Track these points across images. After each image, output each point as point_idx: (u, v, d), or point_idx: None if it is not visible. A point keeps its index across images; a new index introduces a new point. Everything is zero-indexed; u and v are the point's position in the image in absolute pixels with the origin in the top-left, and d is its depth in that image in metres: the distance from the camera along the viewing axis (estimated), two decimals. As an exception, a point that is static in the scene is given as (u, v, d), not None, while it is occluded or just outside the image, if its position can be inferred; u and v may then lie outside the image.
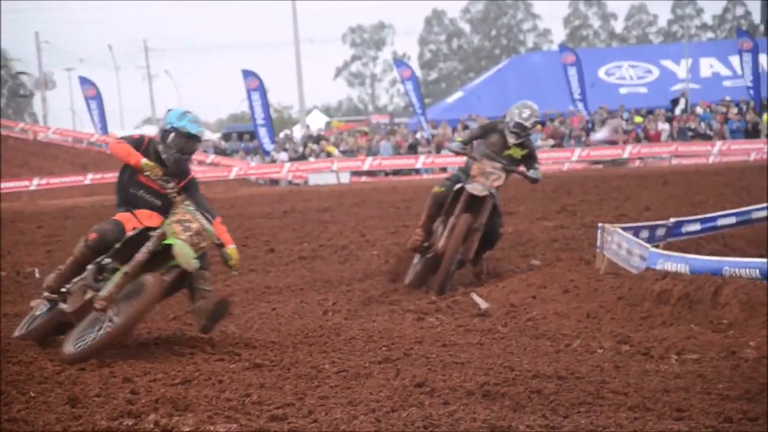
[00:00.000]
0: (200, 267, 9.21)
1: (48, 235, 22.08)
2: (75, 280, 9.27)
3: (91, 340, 8.76)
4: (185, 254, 9.00)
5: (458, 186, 13.16)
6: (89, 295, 9.04)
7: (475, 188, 12.94)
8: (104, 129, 49.50)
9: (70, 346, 8.80)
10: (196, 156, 47.22)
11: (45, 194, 40.59)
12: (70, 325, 9.14)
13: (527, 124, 13.46)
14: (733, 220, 14.51)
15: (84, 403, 7.11)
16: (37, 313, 9.72)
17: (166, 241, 9.06)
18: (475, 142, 13.70)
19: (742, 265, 9.93)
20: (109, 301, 8.89)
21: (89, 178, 42.46)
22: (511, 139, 13.40)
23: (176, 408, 6.99)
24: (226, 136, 53.07)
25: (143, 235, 9.17)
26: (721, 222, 14.39)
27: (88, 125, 52.57)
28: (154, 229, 9.16)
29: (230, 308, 9.76)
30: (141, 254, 9.05)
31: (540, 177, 13.43)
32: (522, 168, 13.42)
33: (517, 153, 13.47)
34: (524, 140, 13.54)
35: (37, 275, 14.92)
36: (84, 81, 50.59)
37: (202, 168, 45.41)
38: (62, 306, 9.25)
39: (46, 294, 9.44)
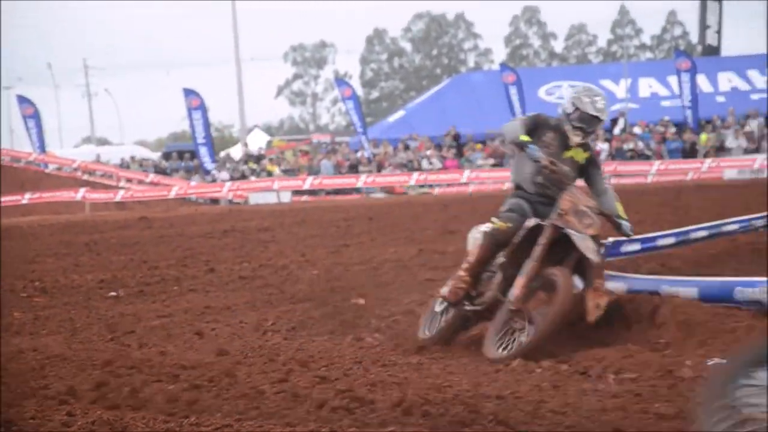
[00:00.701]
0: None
1: (-16, 255, 21.84)
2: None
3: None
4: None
5: (532, 222, 9.78)
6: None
7: (586, 246, 9.51)
8: (42, 148, 49.12)
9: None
10: (136, 175, 47.05)
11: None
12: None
13: (603, 117, 10.22)
14: (672, 240, 14.65)
15: (19, 426, 7.03)
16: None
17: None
18: None
19: (680, 284, 10.01)
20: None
21: (27, 198, 42.10)
22: (576, 138, 10.16)
23: (113, 430, 6.92)
24: (167, 155, 52.88)
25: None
26: (660, 242, 14.51)
27: (26, 144, 52.12)
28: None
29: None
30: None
31: (631, 232, 10.39)
32: (607, 208, 10.21)
33: (581, 156, 10.31)
34: (588, 140, 10.44)
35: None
36: (22, 100, 50.18)
37: (141, 187, 45.20)
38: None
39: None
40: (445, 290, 10.04)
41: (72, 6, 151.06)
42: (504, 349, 9.19)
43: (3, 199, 42.24)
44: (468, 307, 9.89)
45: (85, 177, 47.57)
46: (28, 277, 17.39)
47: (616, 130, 47.94)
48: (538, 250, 9.49)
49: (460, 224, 24.66)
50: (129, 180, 47.07)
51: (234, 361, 9.49)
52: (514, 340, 9.22)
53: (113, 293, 15.36)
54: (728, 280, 9.99)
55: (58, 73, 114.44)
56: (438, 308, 10.31)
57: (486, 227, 10.25)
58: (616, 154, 45.06)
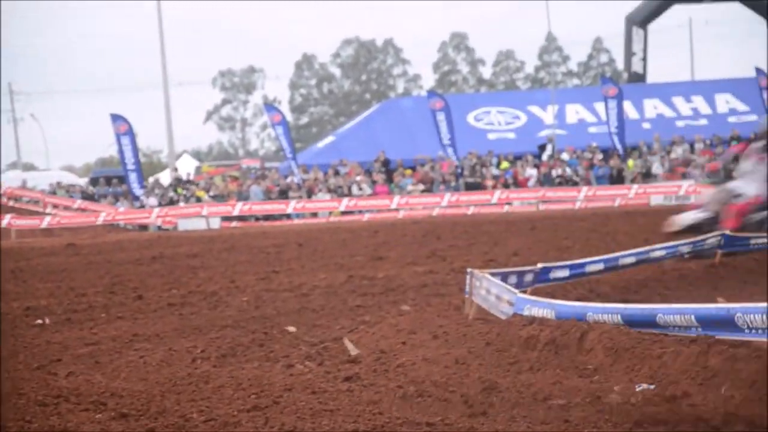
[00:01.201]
0: None
1: None
2: None
3: None
4: None
5: None
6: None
7: None
8: (-33, 173, 48.58)
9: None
10: (63, 201, 46.51)
11: None
12: None
13: None
14: (601, 266, 14.80)
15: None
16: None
17: None
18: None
19: (606, 311, 10.10)
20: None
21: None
22: None
23: (39, 461, 6.86)
24: (94, 181, 52.45)
25: None
26: (589, 268, 14.65)
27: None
28: None
29: None
30: None
31: None
32: None
33: None
34: None
35: None
36: (-56, 125, 49.65)
37: (68, 213, 44.77)
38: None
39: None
40: None
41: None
42: None
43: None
44: None
45: (11, 203, 47.05)
46: (-49, 305, 17.16)
47: (544, 156, 48.34)
48: None
49: (389, 250, 24.76)
50: (56, 206, 46.63)
51: (163, 390, 9.43)
52: None
53: (39, 321, 15.20)
54: (652, 306, 10.10)
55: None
56: None
57: None
58: (545, 180, 45.43)
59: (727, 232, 17.32)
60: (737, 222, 18.64)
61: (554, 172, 45.86)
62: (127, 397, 9.06)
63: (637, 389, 8.29)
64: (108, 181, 50.71)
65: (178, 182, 48.75)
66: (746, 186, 18.79)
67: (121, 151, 47.17)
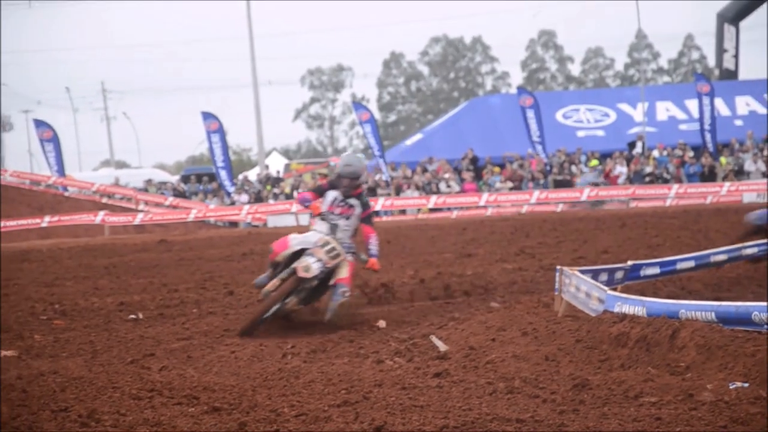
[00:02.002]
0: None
1: (5, 278, 21.90)
2: None
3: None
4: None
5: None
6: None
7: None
8: (61, 171, 49.23)
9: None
10: (155, 198, 47.06)
11: (2, 237, 40.27)
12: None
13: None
14: (692, 263, 14.63)
15: (41, 448, 7.05)
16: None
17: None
18: None
19: (699, 308, 9.98)
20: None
21: (46, 221, 42.23)
22: None
23: (134, 453, 6.95)
24: (185, 178, 52.94)
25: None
26: (680, 265, 14.49)
27: (45, 168, 52.26)
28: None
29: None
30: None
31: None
32: None
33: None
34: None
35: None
36: (39, 123, 50.30)
37: (160, 210, 45.27)
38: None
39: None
40: None
41: (90, 30, 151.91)
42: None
43: (22, 222, 42.39)
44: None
45: (105, 200, 47.70)
46: (47, 300, 17.46)
47: (634, 153, 47.87)
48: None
49: (478, 247, 24.71)
50: (148, 203, 47.17)
51: (254, 384, 9.52)
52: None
53: (133, 316, 15.41)
54: (747, 304, 9.97)
55: (76, 96, 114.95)
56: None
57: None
58: (635, 178, 45.02)
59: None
60: None
61: (645, 170, 45.42)
62: (219, 392, 9.15)
63: (731, 387, 8.20)
64: (199, 178, 51.18)
65: (267, 179, 49.05)
66: None
67: (211, 149, 47.61)
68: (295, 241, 13.75)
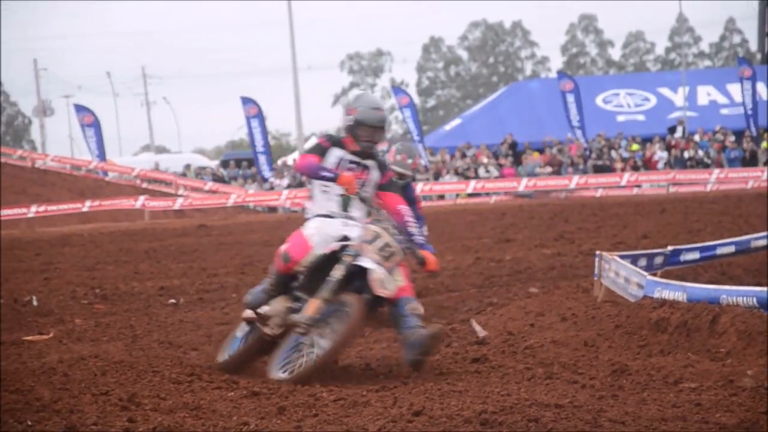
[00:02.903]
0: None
1: (46, 262, 22.10)
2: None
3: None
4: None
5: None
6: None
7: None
8: (102, 156, 49.49)
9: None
10: (194, 183, 47.20)
11: (43, 221, 40.58)
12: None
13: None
14: (732, 249, 14.53)
15: (81, 432, 7.10)
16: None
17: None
18: None
19: (740, 294, 9.93)
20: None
21: (87, 206, 42.46)
22: None
23: (174, 436, 6.98)
24: (225, 163, 53.10)
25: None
26: (720, 251, 14.40)
27: (86, 152, 52.55)
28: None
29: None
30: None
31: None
32: None
33: None
34: None
35: (35, 303, 14.92)
36: (80, 108, 50.56)
37: (200, 195, 45.45)
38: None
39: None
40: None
41: (131, 15, 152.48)
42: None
43: (64, 207, 42.60)
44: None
45: (145, 185, 47.94)
46: (88, 285, 17.58)
47: (676, 137, 47.58)
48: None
49: (517, 233, 24.66)
50: (187, 188, 47.33)
51: (293, 369, 9.53)
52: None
53: (173, 300, 15.50)
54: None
55: (116, 81, 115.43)
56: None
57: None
58: (676, 163, 44.76)
59: None
60: None
61: (686, 154, 45.14)
62: (258, 376, 9.18)
63: (771, 373, 8.16)
64: (238, 163, 51.30)
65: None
66: None
67: (251, 134, 47.71)
68: (320, 238, 9.44)
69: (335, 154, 9.64)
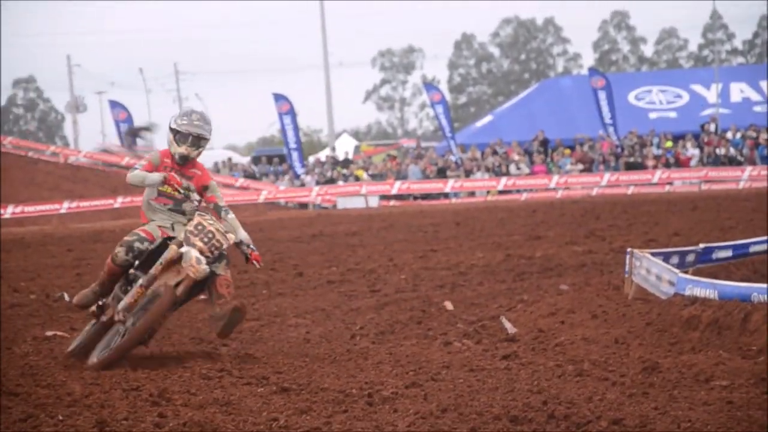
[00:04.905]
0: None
1: (78, 258, 22.20)
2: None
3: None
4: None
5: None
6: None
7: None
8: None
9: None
10: (225, 179, 47.29)
11: (75, 217, 40.75)
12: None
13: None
14: (764, 246, 14.43)
15: (112, 427, 7.13)
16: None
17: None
18: None
19: (771, 292, 9.88)
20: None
21: (119, 202, 42.62)
22: None
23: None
24: (256, 160, 53.20)
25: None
26: (752, 248, 14.31)
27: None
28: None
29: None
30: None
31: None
32: None
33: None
34: None
35: (67, 299, 14.98)
36: (114, 104, 50.79)
37: (231, 191, 45.56)
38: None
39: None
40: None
41: (163, 12, 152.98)
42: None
43: (96, 203, 42.76)
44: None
45: (176, 181, 48.01)
46: (120, 280, 17.63)
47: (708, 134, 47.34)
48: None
49: (547, 230, 24.60)
50: (218, 184, 47.39)
51: (323, 365, 9.56)
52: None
53: (203, 296, 15.52)
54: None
55: (149, 77, 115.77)
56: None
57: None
58: (708, 160, 44.54)
59: None
60: None
61: (718, 152, 44.90)
62: (288, 372, 9.21)
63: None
64: (269, 159, 51.37)
65: (334, 162, 49.09)
66: None
67: (283, 130, 47.79)
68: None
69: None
